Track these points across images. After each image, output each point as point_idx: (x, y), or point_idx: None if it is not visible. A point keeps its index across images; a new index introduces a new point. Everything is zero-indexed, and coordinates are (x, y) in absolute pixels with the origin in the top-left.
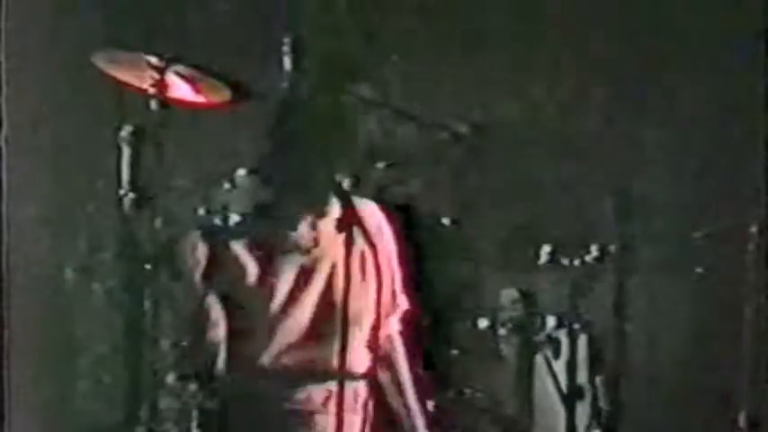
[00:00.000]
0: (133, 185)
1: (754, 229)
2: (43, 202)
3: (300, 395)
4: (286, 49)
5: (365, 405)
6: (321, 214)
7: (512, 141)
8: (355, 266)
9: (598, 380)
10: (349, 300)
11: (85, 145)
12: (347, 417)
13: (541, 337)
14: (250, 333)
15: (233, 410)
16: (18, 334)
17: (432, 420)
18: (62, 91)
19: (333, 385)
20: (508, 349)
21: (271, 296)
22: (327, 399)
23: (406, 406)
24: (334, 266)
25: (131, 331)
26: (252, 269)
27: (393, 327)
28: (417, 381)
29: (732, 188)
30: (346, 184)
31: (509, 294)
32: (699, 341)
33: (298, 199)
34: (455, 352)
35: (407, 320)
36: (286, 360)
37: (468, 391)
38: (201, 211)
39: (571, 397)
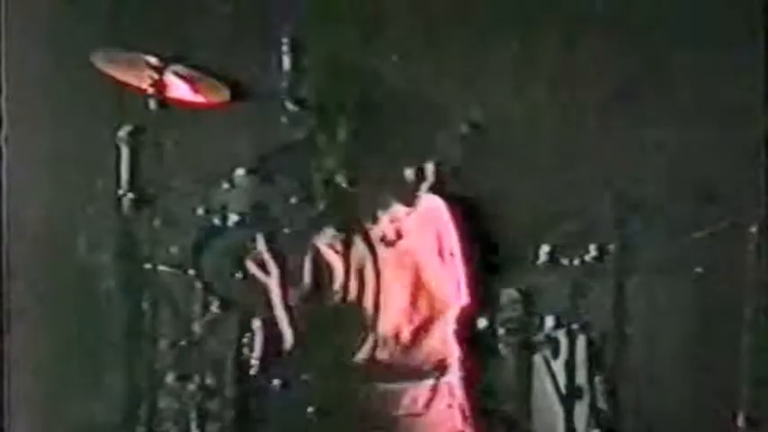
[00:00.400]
0: (132, 185)
1: (753, 229)
2: (43, 202)
3: (405, 399)
4: (285, 48)
5: (459, 398)
6: (406, 204)
7: (511, 141)
8: (426, 260)
9: (597, 380)
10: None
11: (84, 145)
12: (448, 412)
13: (540, 337)
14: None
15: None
16: (18, 334)
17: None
18: (61, 91)
19: (430, 383)
20: (507, 349)
21: (356, 292)
22: (431, 399)
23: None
24: (416, 259)
25: (130, 331)
26: (337, 266)
27: (450, 326)
28: (467, 379)
29: (731, 188)
30: (344, 184)
31: (508, 294)
32: (698, 341)
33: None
34: None
35: (463, 318)
36: (382, 356)
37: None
38: (200, 211)
39: (570, 397)
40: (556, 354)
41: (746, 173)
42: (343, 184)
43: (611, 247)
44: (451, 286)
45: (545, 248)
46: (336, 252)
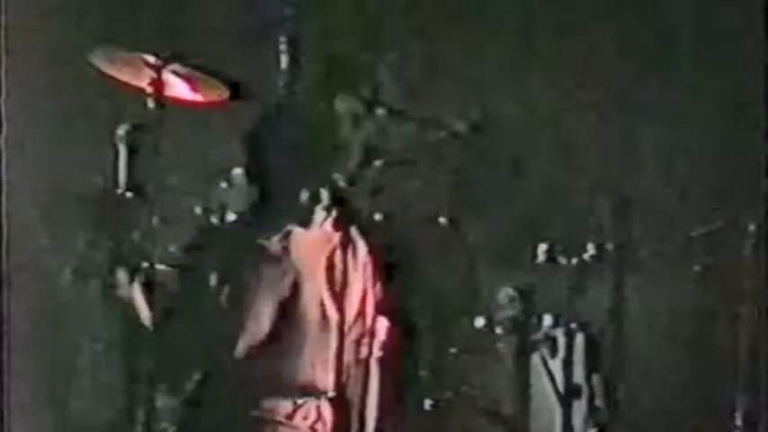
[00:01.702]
0: (130, 184)
1: (751, 227)
2: (42, 201)
3: (267, 404)
4: (283, 48)
5: (326, 422)
6: (304, 222)
7: (509, 140)
8: (335, 278)
9: (595, 378)
10: (323, 312)
11: (83, 144)
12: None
13: (538, 335)
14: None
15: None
16: (17, 333)
17: None
18: (60, 90)
19: (299, 399)
20: (505, 348)
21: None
22: (293, 412)
23: (363, 425)
24: (304, 278)
25: (128, 329)
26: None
27: (369, 350)
28: (384, 401)
29: (730, 186)
30: (342, 183)
31: (506, 293)
32: (696, 340)
33: (290, 202)
34: (452, 351)
35: (388, 345)
36: (254, 368)
37: (464, 389)
38: (198, 210)
39: (568, 396)
40: (554, 352)
41: (745, 172)
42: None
43: (609, 246)
44: (350, 311)
45: (543, 247)
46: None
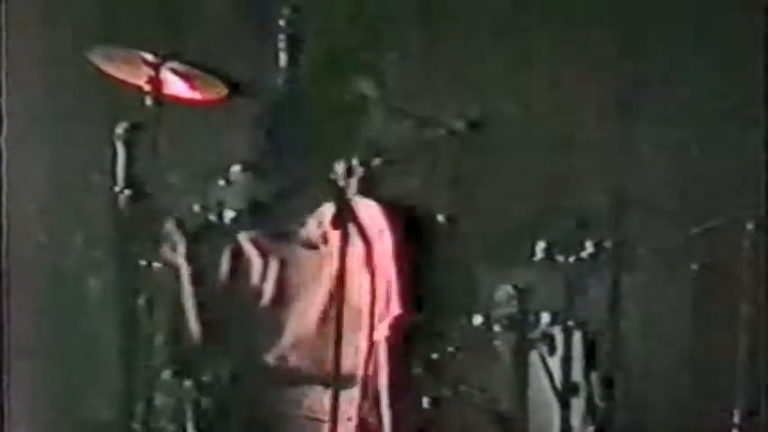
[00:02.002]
0: (128, 182)
1: (750, 225)
2: (41, 199)
3: (306, 401)
4: (282, 45)
5: (359, 412)
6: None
7: (508, 138)
8: (353, 266)
9: (593, 376)
10: (346, 301)
11: (81, 142)
12: (346, 425)
13: (536, 333)
14: (255, 330)
15: (232, 410)
16: (17, 331)
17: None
18: (58, 88)
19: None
20: (503, 346)
21: (277, 293)
22: (335, 406)
23: (379, 413)
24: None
25: (126, 327)
26: (257, 264)
27: (381, 332)
28: (393, 387)
29: (728, 185)
30: (341, 180)
31: (504, 291)
32: (694, 338)
33: (297, 195)
34: (450, 349)
35: (396, 326)
36: (292, 360)
37: (463, 387)
38: (197, 208)
39: (566, 393)
40: (552, 350)
41: (744, 170)
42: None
43: (608, 243)
44: (379, 296)
45: (541, 245)
46: (259, 250)
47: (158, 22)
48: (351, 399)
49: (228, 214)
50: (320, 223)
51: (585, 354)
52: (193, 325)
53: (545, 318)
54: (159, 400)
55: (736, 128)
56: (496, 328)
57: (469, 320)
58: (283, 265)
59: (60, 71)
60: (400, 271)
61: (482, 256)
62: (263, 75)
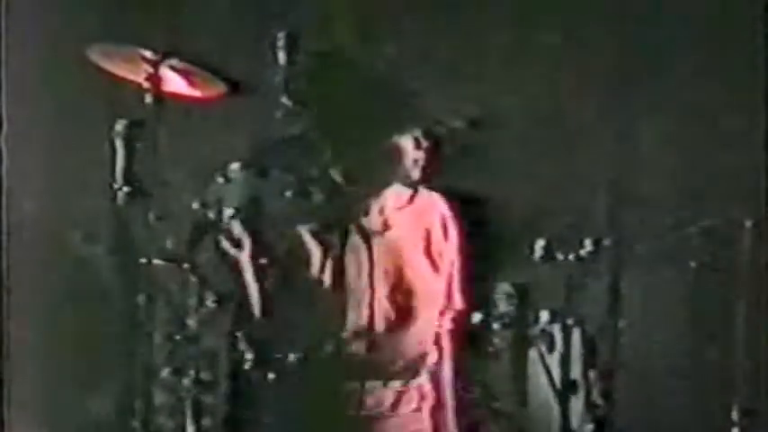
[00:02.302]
0: (127, 179)
1: (748, 223)
2: (40, 197)
3: (371, 399)
4: (280, 43)
5: (428, 400)
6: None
7: (506, 136)
8: (413, 256)
9: (592, 374)
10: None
11: (80, 139)
12: (414, 416)
13: (535, 331)
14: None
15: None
16: (17, 330)
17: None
18: (57, 85)
19: (398, 385)
20: (502, 343)
21: (332, 281)
22: (398, 401)
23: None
24: (401, 254)
25: (126, 325)
26: (316, 255)
27: (445, 326)
28: (457, 377)
29: (727, 182)
30: (340, 179)
31: (503, 289)
32: (692, 335)
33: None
34: None
35: (459, 320)
36: (353, 350)
37: (462, 384)
38: (195, 205)
39: (565, 391)
40: (551, 348)
41: (743, 169)
42: (338, 178)
43: (607, 242)
44: (438, 287)
45: (540, 243)
46: (318, 240)
47: (158, 19)
48: (414, 390)
49: (227, 212)
50: (382, 210)
51: (584, 351)
52: (256, 307)
53: (544, 315)
54: (158, 397)
55: (736, 126)
56: (496, 325)
57: (469, 318)
58: (343, 254)
59: (61, 71)
60: (464, 265)
61: (481, 254)
62: (261, 72)
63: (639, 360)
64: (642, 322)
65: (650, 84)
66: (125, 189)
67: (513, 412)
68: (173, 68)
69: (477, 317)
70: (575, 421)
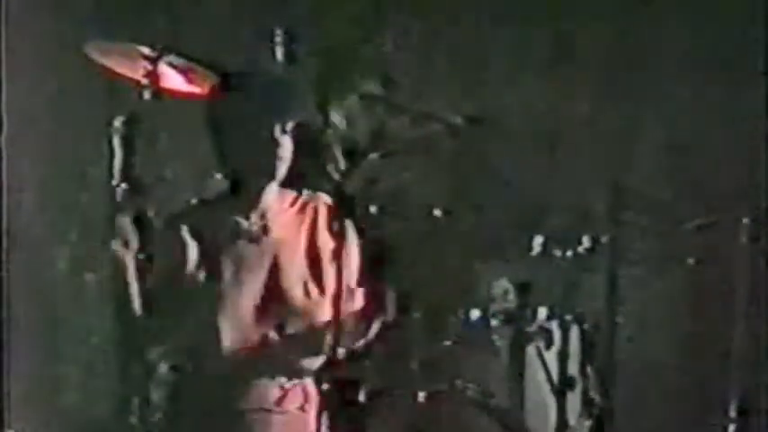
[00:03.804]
0: (125, 176)
1: (746, 220)
2: (38, 193)
3: (253, 394)
4: (278, 39)
5: (313, 402)
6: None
7: (504, 132)
8: (294, 258)
9: (590, 371)
10: (306, 291)
11: (78, 135)
12: (299, 415)
13: (533, 328)
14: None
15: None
16: (17, 329)
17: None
18: (55, 82)
19: (284, 381)
20: (500, 340)
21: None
22: (282, 397)
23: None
24: (285, 254)
25: (123, 321)
26: (193, 254)
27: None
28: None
29: (726, 179)
30: (336, 176)
31: (501, 285)
32: (690, 333)
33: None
34: (447, 343)
35: (357, 320)
36: (238, 351)
37: (459, 382)
38: (194, 202)
39: (562, 388)
40: (549, 344)
41: (742, 166)
42: None
43: (605, 238)
44: (328, 288)
45: (538, 239)
46: (195, 238)
47: (156, 15)
48: (299, 389)
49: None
50: (262, 215)
51: (582, 348)
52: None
53: (542, 312)
54: (155, 394)
55: (735, 123)
56: (494, 322)
57: (466, 315)
58: (220, 256)
59: (57, 64)
60: (362, 266)
61: (478, 251)
62: (260, 69)
63: (637, 357)
64: (640, 319)
65: (649, 82)
66: (123, 185)
67: (509, 409)
68: (171, 65)
69: (474, 314)
70: (572, 418)
